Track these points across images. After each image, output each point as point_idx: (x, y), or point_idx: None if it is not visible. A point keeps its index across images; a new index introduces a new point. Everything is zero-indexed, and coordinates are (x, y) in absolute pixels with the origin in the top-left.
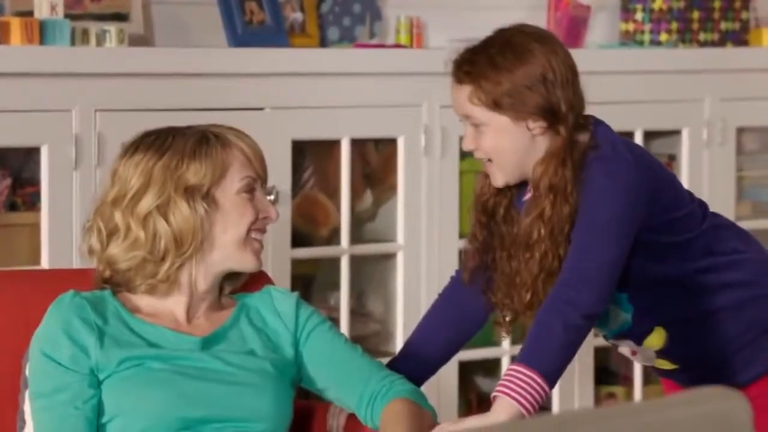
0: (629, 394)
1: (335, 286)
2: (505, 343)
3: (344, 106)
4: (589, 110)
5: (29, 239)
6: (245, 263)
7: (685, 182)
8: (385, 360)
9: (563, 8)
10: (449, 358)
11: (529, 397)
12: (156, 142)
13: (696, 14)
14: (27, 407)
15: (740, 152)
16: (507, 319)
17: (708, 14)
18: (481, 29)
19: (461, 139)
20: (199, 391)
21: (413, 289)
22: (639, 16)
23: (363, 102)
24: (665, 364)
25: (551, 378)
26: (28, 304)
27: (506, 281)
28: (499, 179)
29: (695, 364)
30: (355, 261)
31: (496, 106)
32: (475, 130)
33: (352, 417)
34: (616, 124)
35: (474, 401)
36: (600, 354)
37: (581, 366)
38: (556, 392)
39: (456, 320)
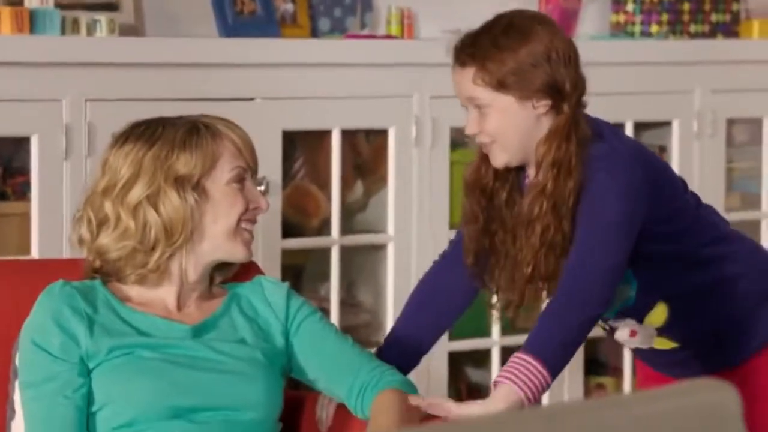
0: (618, 385)
1: (325, 276)
2: (495, 334)
3: (335, 97)
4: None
5: (19, 229)
6: (235, 253)
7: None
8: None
9: (554, 0)
10: (435, 343)
11: (531, 386)
12: (146, 132)
13: (687, 6)
14: (17, 397)
15: (730, 144)
16: (497, 302)
17: (699, 6)
18: (472, 20)
19: (451, 130)
20: (189, 379)
21: (403, 280)
22: (630, 7)
23: (354, 93)
24: (665, 344)
25: (554, 371)
26: (18, 294)
27: (512, 263)
28: (501, 159)
29: (696, 338)
30: (346, 252)
31: (501, 86)
32: (478, 113)
33: (341, 407)
34: (607, 116)
35: (464, 392)
36: (590, 345)
37: None
38: None
39: (440, 304)
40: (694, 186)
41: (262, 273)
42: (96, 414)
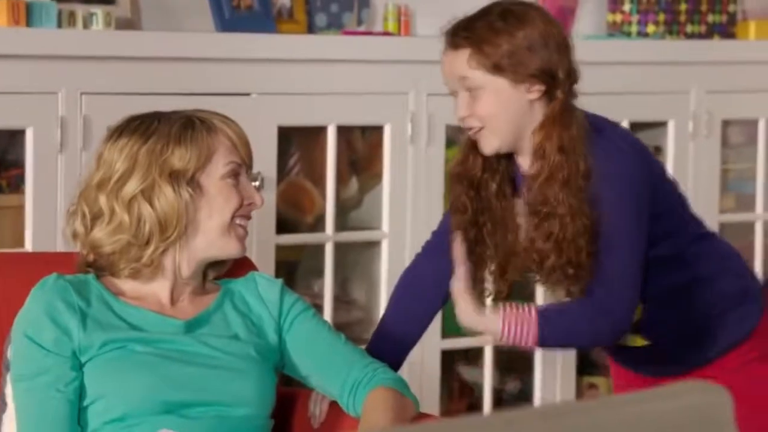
0: (611, 385)
1: (319, 272)
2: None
3: (331, 93)
4: (576, 101)
5: (13, 221)
6: (229, 249)
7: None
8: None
9: None
10: (422, 332)
11: (515, 333)
12: (141, 127)
13: (683, 6)
14: (9, 390)
15: (725, 145)
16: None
17: (695, 6)
18: None
19: (447, 128)
20: (182, 374)
21: (397, 277)
22: (627, 7)
23: (350, 89)
24: (638, 341)
25: (542, 343)
26: (11, 287)
27: (505, 251)
28: (491, 145)
29: (668, 338)
30: (340, 248)
31: (496, 68)
32: (469, 96)
33: (334, 404)
34: (603, 115)
35: (456, 390)
36: None
37: (563, 356)
38: (537, 383)
39: (423, 294)
40: (688, 187)
41: (255, 269)
42: (88, 408)
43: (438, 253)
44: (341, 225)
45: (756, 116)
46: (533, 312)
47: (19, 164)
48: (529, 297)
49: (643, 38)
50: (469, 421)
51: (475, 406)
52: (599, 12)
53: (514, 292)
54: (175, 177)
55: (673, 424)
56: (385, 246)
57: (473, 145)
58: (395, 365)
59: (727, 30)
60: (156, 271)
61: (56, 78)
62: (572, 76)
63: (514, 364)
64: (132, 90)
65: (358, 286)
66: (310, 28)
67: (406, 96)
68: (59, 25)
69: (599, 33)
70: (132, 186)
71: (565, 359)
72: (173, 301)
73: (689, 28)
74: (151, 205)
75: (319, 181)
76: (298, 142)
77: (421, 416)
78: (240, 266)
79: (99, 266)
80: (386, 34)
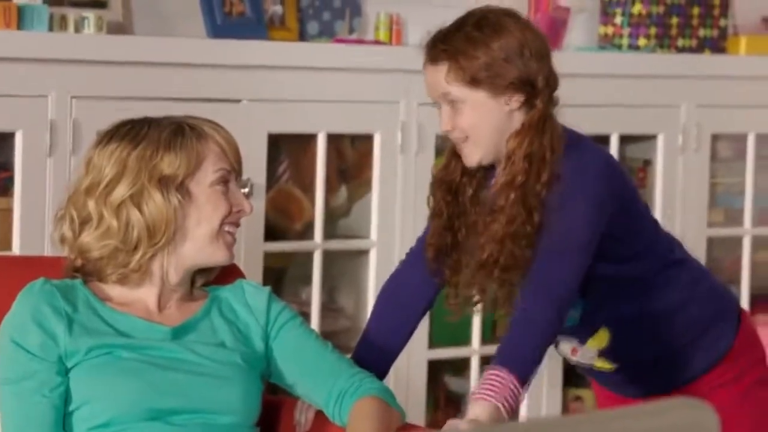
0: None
1: (307, 280)
2: (475, 342)
3: (321, 101)
4: (565, 113)
5: (1, 224)
6: (217, 256)
7: (659, 188)
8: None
9: (543, 10)
10: (406, 341)
11: (508, 397)
12: (131, 132)
13: (675, 20)
14: None
15: (714, 159)
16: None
17: (687, 21)
18: None
19: (437, 137)
20: (168, 381)
21: None
22: (618, 20)
23: (340, 97)
24: (604, 364)
25: (525, 380)
26: None
27: (474, 259)
28: (474, 157)
29: (633, 364)
30: (328, 256)
31: (473, 82)
32: (451, 110)
33: (319, 413)
34: (593, 128)
35: (442, 400)
36: None
37: (549, 368)
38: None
39: (405, 302)
40: (677, 201)
41: (243, 276)
42: (73, 413)
43: (421, 260)
44: (330, 233)
45: (745, 131)
46: (495, 369)
47: (8, 167)
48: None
49: (634, 51)
50: None
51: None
52: (591, 24)
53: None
54: (164, 183)
55: None
56: (373, 255)
57: (456, 153)
58: (380, 375)
59: (717, 44)
60: (144, 277)
61: (47, 81)
62: (551, 82)
63: None
64: (122, 94)
65: (345, 295)
66: (302, 36)
67: (397, 105)
68: (51, 28)
69: (591, 45)
70: (121, 191)
71: (551, 372)
72: (160, 307)
73: (680, 42)
74: (140, 210)
75: (308, 189)
76: (287, 150)
77: (406, 427)
78: (228, 273)
79: (87, 271)
80: (377, 42)
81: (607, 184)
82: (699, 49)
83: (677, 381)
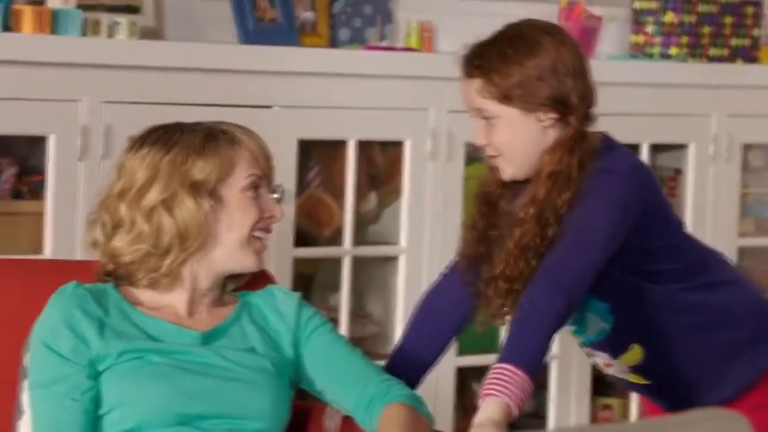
0: (625, 407)
1: (336, 286)
2: None
3: (352, 108)
4: (597, 122)
5: (33, 228)
6: (246, 263)
7: (690, 197)
8: (383, 363)
9: (575, 18)
10: (440, 356)
11: (517, 392)
12: (163, 137)
13: (707, 29)
14: (25, 397)
15: (745, 169)
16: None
17: (719, 30)
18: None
19: (467, 145)
20: (197, 386)
21: (414, 293)
22: (650, 29)
23: (371, 104)
24: (638, 379)
25: (533, 373)
26: (30, 294)
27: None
28: (508, 173)
29: (667, 381)
30: (357, 262)
31: (506, 98)
32: (486, 125)
33: (347, 419)
34: (623, 137)
35: (470, 407)
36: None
37: (578, 377)
38: (552, 402)
39: (442, 317)
40: (708, 211)
41: (273, 281)
42: (103, 417)
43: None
44: (359, 239)
45: None
46: (502, 364)
47: (40, 171)
48: None
49: (665, 60)
50: None
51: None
52: (622, 33)
53: None
54: (196, 188)
55: None
56: (402, 261)
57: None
58: (411, 386)
59: (749, 54)
60: (174, 282)
61: (79, 86)
62: (587, 100)
63: None
64: (154, 100)
65: (374, 301)
66: (333, 42)
67: (427, 112)
68: (84, 33)
69: (622, 54)
70: (153, 196)
71: (580, 380)
72: (190, 312)
73: (712, 52)
74: (172, 215)
75: (338, 195)
76: (318, 156)
77: None
78: (258, 279)
79: (118, 276)
80: (408, 49)
81: (632, 189)
82: (731, 58)
83: (714, 399)
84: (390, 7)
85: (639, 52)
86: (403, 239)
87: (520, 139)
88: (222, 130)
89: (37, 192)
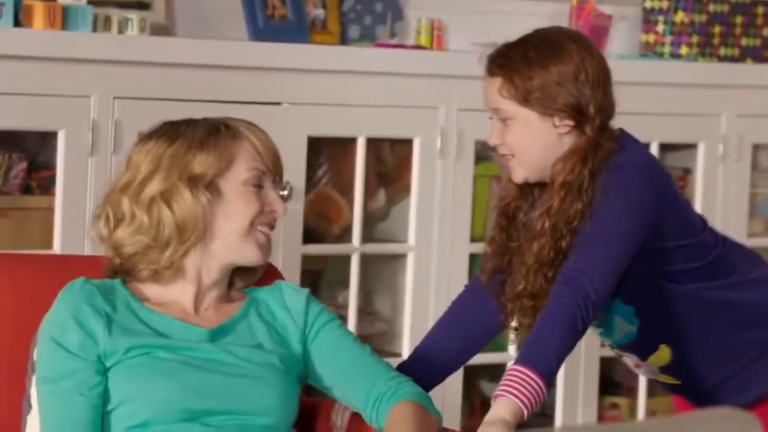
0: (633, 406)
1: (344, 283)
2: (511, 348)
3: (362, 105)
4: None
5: (42, 223)
6: (249, 255)
7: (699, 197)
8: (391, 360)
9: (585, 17)
10: (460, 366)
11: (529, 395)
12: (169, 131)
13: (717, 29)
14: (33, 391)
15: (755, 169)
16: (513, 324)
17: (729, 29)
18: (501, 34)
19: (476, 143)
20: (205, 382)
21: (422, 291)
22: (660, 28)
23: (380, 102)
24: (668, 379)
25: (548, 378)
26: (39, 289)
27: (513, 290)
28: (519, 175)
29: (696, 381)
30: (366, 260)
31: (525, 100)
32: (502, 125)
33: (355, 416)
34: (633, 135)
35: (478, 406)
36: (605, 364)
37: (586, 376)
38: (559, 401)
39: (468, 329)
40: (717, 210)
41: (281, 277)
42: (111, 413)
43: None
44: (368, 236)
45: None
46: (517, 366)
47: (50, 166)
48: None
49: (675, 60)
50: None
51: None
52: (633, 32)
53: None
54: (193, 181)
55: None
56: (410, 259)
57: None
58: (426, 388)
59: (760, 54)
60: (177, 275)
61: (89, 82)
62: (605, 111)
63: None
64: (164, 96)
65: (382, 299)
66: (343, 40)
67: (437, 110)
68: (94, 29)
69: (632, 53)
70: (152, 188)
71: (588, 379)
72: (197, 308)
73: (722, 51)
74: (170, 208)
75: (347, 192)
76: (327, 153)
77: (443, 431)
78: (266, 274)
79: (124, 270)
80: (418, 47)
81: (648, 181)
82: (741, 58)
83: (743, 398)
84: (400, 4)
85: (649, 51)
86: (412, 237)
87: (533, 142)
88: (226, 125)
89: (47, 187)
